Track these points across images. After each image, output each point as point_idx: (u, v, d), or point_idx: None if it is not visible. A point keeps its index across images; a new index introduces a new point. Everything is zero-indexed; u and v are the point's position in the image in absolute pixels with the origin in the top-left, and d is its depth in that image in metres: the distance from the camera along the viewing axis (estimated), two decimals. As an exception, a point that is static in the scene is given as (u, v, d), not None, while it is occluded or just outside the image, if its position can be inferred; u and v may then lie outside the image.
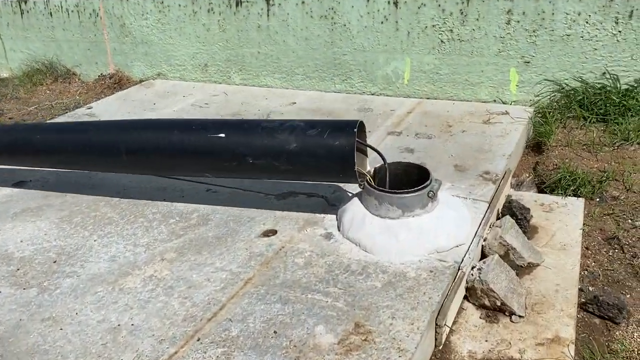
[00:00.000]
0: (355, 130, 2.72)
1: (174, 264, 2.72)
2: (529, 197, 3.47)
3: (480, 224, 2.89)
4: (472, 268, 2.63)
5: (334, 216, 3.04)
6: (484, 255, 2.87)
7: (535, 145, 4.14)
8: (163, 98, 5.44)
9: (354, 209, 2.88)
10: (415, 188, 2.73)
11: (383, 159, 2.89)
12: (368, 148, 2.98)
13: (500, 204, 3.23)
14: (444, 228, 2.71)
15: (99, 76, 6.51)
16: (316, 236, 2.87)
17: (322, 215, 3.08)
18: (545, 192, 3.59)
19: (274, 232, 2.95)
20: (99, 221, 3.17)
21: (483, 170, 3.45)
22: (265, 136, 2.84)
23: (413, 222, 2.71)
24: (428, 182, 2.78)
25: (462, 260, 2.60)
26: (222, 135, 2.90)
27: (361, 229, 2.76)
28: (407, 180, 3.01)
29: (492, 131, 4.04)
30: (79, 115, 5.11)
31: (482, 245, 2.85)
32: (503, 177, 3.38)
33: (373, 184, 2.84)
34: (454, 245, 2.68)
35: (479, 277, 2.55)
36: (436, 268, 2.54)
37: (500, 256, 2.83)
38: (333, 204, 3.17)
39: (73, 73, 6.76)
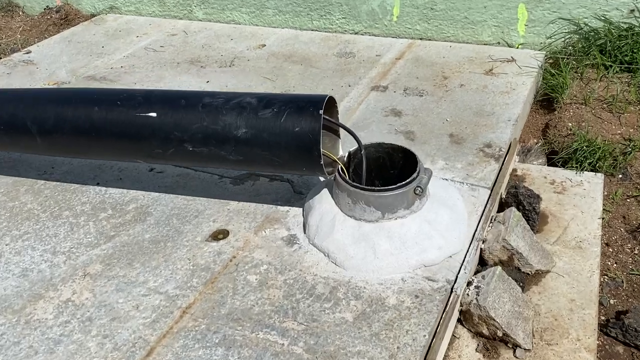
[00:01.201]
0: (321, 112, 2.09)
1: (98, 281, 2.18)
2: (536, 172, 2.89)
3: (479, 222, 2.33)
4: (468, 284, 2.11)
5: (300, 210, 2.47)
6: (482, 261, 2.34)
7: (546, 102, 3.50)
8: (114, 39, 4.68)
9: (323, 207, 2.31)
10: (399, 184, 2.15)
11: (358, 142, 2.28)
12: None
13: (504, 187, 2.66)
14: (434, 234, 2.15)
15: (45, 9, 5.67)
16: (276, 240, 2.32)
17: (286, 208, 2.50)
18: (557, 165, 3.01)
19: (226, 233, 2.39)
20: (16, 215, 2.60)
21: (484, 141, 2.84)
22: (207, 117, 2.20)
23: (395, 228, 2.15)
24: (415, 174, 2.19)
25: (456, 278, 2.07)
26: (153, 114, 2.27)
27: (330, 235, 2.20)
28: (391, 165, 2.42)
29: (496, 85, 3.38)
30: (15, 62, 4.38)
31: (481, 249, 2.32)
32: (508, 151, 2.78)
33: (346, 176, 2.25)
34: (446, 257, 2.14)
35: (477, 300, 2.03)
36: (423, 291, 2.01)
37: (502, 262, 2.30)
38: (300, 192, 2.59)
39: (16, 5, 5.90)
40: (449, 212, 2.26)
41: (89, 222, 2.52)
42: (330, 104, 2.22)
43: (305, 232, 2.33)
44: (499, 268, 2.15)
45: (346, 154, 2.36)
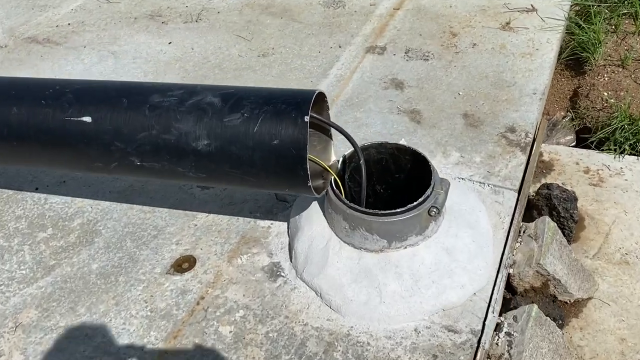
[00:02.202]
0: (307, 118, 1.56)
1: (33, 335, 1.73)
2: (567, 157, 2.41)
3: (506, 241, 1.87)
4: (497, 327, 1.69)
5: (284, 226, 2.00)
6: (508, 285, 1.90)
7: (573, 62, 2.96)
8: (60, -14, 3.96)
9: (313, 229, 1.83)
10: (409, 207, 1.66)
11: (355, 147, 1.77)
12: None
13: (531, 184, 2.18)
14: (455, 267, 1.70)
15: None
16: (256, 271, 1.86)
17: (267, 223, 2.02)
18: (589, 146, 2.52)
19: (192, 261, 1.92)
20: None
21: (505, 123, 2.33)
22: (156, 124, 1.67)
23: (405, 261, 1.69)
24: (429, 190, 1.70)
25: (483, 326, 1.63)
26: (87, 119, 1.72)
27: (324, 269, 1.74)
28: (397, 169, 1.93)
29: (515, 45, 2.82)
30: (-57, 19, 3.69)
31: (509, 274, 1.88)
32: (535, 136, 2.28)
33: (340, 190, 1.76)
34: (469, 296, 1.70)
35: (509, 354, 1.61)
36: (442, 348, 1.59)
37: (534, 288, 1.87)
38: (284, 199, 2.10)
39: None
40: (471, 232, 1.79)
41: (24, 245, 2.03)
42: (319, 99, 1.69)
43: (291, 261, 1.86)
44: (535, 308, 1.71)
45: (340, 159, 1.86)
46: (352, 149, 1.82)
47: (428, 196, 1.70)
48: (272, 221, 2.03)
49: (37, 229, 2.09)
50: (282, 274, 1.84)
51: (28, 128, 1.79)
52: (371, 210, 1.67)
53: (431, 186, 1.71)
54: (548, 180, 2.30)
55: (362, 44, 2.96)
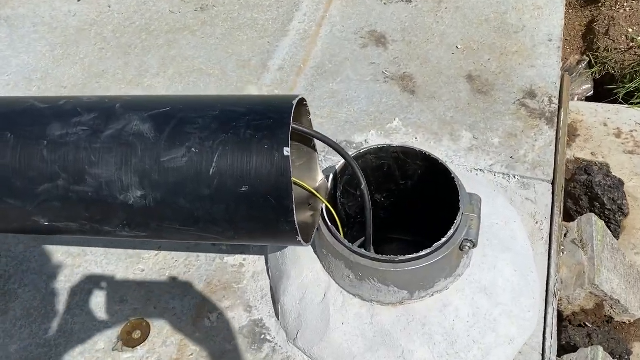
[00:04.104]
0: (288, 151, 1.04)
1: None
2: (591, 115, 1.98)
3: (549, 257, 1.46)
4: (553, 379, 1.31)
5: (262, 261, 1.53)
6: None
7: (582, -13, 2.45)
8: None
9: (304, 275, 1.37)
10: (436, 246, 1.21)
11: (350, 163, 1.27)
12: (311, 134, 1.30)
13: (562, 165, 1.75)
14: (497, 313, 1.29)
15: None
16: (233, 337, 1.40)
17: (238, 259, 1.55)
18: (614, 96, 2.09)
19: (145, 327, 1.44)
20: None
21: (522, 86, 1.86)
22: (63, 170, 1.12)
23: (434, 315, 1.27)
24: (459, 218, 1.24)
25: (543, 391, 1.25)
26: (-44, 168, 1.15)
27: (326, 335, 1.30)
28: (403, 175, 1.46)
29: (515, -27, 2.28)
30: None
31: (554, 293, 1.48)
32: (561, 99, 1.82)
33: (337, 225, 1.28)
34: (518, 350, 1.30)
35: (577, 421, 1.24)
36: None
37: (585, 311, 1.49)
38: (255, 221, 1.60)
39: None
40: (510, 258, 1.37)
41: None
42: (299, 104, 1.16)
43: (278, 317, 1.41)
44: (600, 351, 1.33)
45: (330, 176, 1.36)
46: (352, 157, 1.33)
47: (458, 226, 1.24)
48: (244, 255, 1.55)
49: None
50: (269, 336, 1.39)
51: None
52: (385, 257, 1.21)
53: (460, 213, 1.25)
54: (574, 151, 1.88)
55: (325, -15, 2.35)
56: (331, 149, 1.24)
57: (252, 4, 2.32)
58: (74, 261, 1.59)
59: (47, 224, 1.20)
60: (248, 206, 1.08)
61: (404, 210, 1.55)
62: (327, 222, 1.28)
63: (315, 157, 1.36)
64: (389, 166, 1.45)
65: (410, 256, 1.20)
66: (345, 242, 1.24)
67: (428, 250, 1.21)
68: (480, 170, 1.64)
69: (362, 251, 1.22)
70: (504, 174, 1.63)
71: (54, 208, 1.16)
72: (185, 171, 1.08)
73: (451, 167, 1.33)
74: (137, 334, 1.43)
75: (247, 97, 1.20)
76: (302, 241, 1.15)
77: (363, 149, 1.40)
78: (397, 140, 1.75)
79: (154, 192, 1.10)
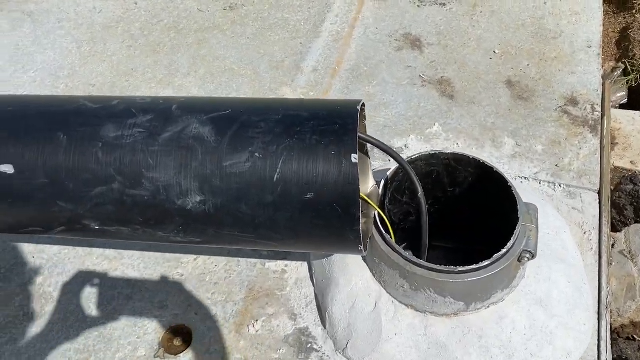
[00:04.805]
0: (355, 158, 1.01)
1: None
2: (628, 124, 1.96)
3: (599, 269, 1.44)
4: (606, 394, 1.28)
5: (304, 267, 1.49)
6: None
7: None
8: None
9: (353, 284, 1.33)
10: (497, 256, 1.18)
11: (408, 171, 1.24)
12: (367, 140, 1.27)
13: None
14: (554, 325, 1.26)
15: None
16: (278, 345, 1.36)
17: (279, 265, 1.51)
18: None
19: (186, 334, 1.40)
20: None
21: (563, 92, 1.84)
22: (118, 173, 1.09)
23: (491, 327, 1.24)
24: (518, 229, 1.21)
25: (601, 407, 1.22)
26: (7, 169, 1.12)
27: (378, 346, 1.27)
28: (452, 182, 1.43)
29: (550, -23, 2.25)
30: None
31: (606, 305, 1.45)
32: (603, 107, 1.80)
33: (389, 232, 1.25)
34: (574, 363, 1.27)
35: None
36: None
37: (634, 323, 1.46)
38: (296, 227, 1.57)
39: None
40: (563, 269, 1.34)
41: (-56, 326, 1.45)
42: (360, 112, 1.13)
43: (324, 326, 1.37)
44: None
45: (382, 182, 1.33)
46: (392, 166, 1.30)
47: (517, 237, 1.21)
48: (285, 261, 1.52)
49: (-40, 298, 1.50)
50: (315, 346, 1.35)
51: None
52: (444, 268, 1.17)
53: (519, 223, 1.22)
54: (613, 159, 1.85)
55: (356, -14, 2.32)
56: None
57: (283, 4, 2.28)
58: (110, 264, 1.55)
59: (97, 227, 1.16)
60: (312, 214, 1.04)
61: (448, 217, 1.52)
62: (381, 230, 1.25)
63: (368, 163, 1.33)
64: (438, 173, 1.43)
65: (470, 267, 1.17)
66: (402, 251, 1.21)
67: (488, 262, 1.18)
68: (525, 178, 1.62)
69: (420, 261, 1.19)
70: (549, 182, 1.60)
71: (107, 212, 1.12)
72: (248, 177, 1.05)
73: (504, 175, 1.30)
74: (178, 341, 1.39)
75: (308, 101, 1.16)
76: (364, 252, 1.12)
77: (414, 155, 1.37)
78: (437, 146, 1.72)
79: (215, 198, 1.06)
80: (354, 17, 2.18)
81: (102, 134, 1.11)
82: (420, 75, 1.92)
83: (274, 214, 1.06)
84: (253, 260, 1.52)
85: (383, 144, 1.21)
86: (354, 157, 1.01)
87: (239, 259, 1.53)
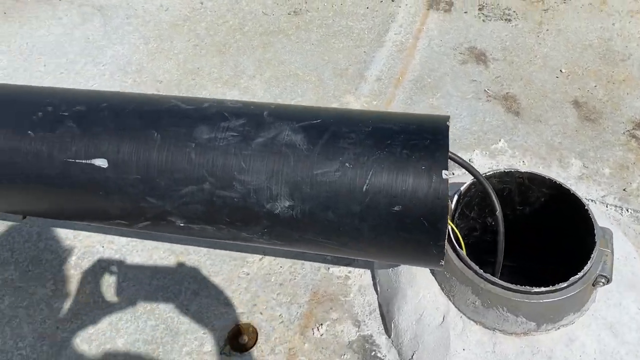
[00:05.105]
0: (447, 174, 1.03)
1: None
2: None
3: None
4: None
5: (367, 275, 1.51)
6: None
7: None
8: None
9: (421, 296, 1.35)
10: (573, 279, 1.18)
11: (488, 190, 1.25)
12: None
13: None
14: (624, 353, 1.25)
15: None
16: (342, 351, 1.39)
17: (343, 271, 1.54)
18: None
19: (252, 332, 1.43)
20: None
21: (631, 116, 1.82)
22: (210, 174, 1.12)
23: (561, 350, 1.24)
24: (595, 252, 1.21)
25: None
26: (102, 163, 1.16)
27: (444, 359, 1.28)
28: (522, 200, 1.43)
29: (618, -2, 2.24)
30: None
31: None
32: (672, 134, 1.78)
33: (461, 245, 1.26)
34: (642, 391, 1.26)
35: None
36: None
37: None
38: (361, 234, 1.59)
39: None
40: (634, 296, 1.33)
41: (18, 309, 1.51)
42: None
43: (388, 334, 1.39)
44: None
45: (455, 197, 1.34)
46: (466, 182, 1.32)
47: (594, 261, 1.21)
48: (349, 267, 1.54)
49: (33, 283, 1.56)
50: (379, 354, 1.37)
51: (13, 173, 1.22)
52: (521, 288, 1.18)
53: (596, 247, 1.22)
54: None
55: (420, -3, 2.34)
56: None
57: (347, 12, 2.31)
58: (177, 259, 1.59)
59: (182, 224, 1.20)
60: (398, 226, 1.06)
61: (513, 235, 1.52)
62: (454, 246, 1.26)
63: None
64: (510, 190, 1.43)
65: (547, 288, 1.18)
66: (476, 267, 1.22)
67: (564, 284, 1.18)
68: (592, 200, 1.61)
69: (496, 279, 1.20)
70: (616, 206, 1.59)
71: (195, 210, 1.16)
72: (338, 186, 1.07)
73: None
74: (243, 339, 1.42)
75: (395, 115, 1.18)
76: (442, 265, 1.14)
77: (488, 172, 1.38)
78: (502, 162, 1.72)
79: (303, 204, 1.09)
80: (417, 29, 2.19)
81: (195, 135, 1.14)
82: (485, 90, 1.93)
83: (360, 223, 1.08)
84: (317, 264, 1.55)
85: (465, 160, 1.22)
86: (445, 173, 1.03)
87: (303, 261, 1.56)
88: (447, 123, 1.10)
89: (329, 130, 1.11)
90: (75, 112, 1.22)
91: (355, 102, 1.95)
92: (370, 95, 1.97)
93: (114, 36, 2.32)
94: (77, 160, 1.18)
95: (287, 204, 1.10)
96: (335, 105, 1.94)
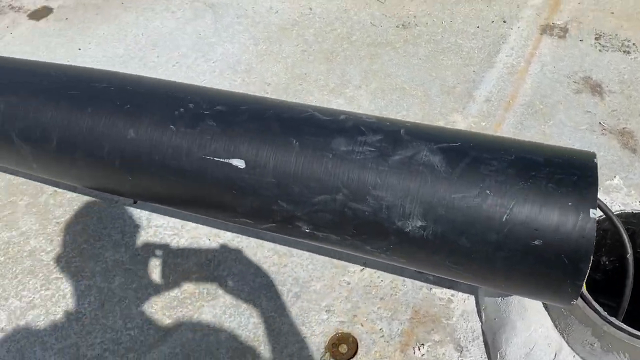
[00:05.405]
0: (595, 213, 1.00)
1: None
2: None
3: None
4: None
5: (471, 300, 1.49)
6: None
7: None
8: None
9: (532, 330, 1.32)
10: None
11: (622, 233, 1.21)
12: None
13: None
14: None
15: None
16: (442, 373, 1.37)
17: (446, 293, 1.52)
18: None
19: (352, 343, 1.44)
20: (15, 262, 1.67)
21: None
22: (345, 186, 1.14)
23: (682, 406, 1.18)
24: None
25: None
26: (239, 163, 1.20)
27: (553, 398, 1.25)
28: (644, 244, 1.38)
29: None
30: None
31: None
32: None
33: (586, 292, 1.23)
34: None
35: None
36: None
37: None
38: (465, 257, 1.57)
39: None
40: None
41: (128, 290, 1.58)
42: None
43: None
44: None
45: (577, 233, 1.30)
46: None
47: None
48: (452, 290, 1.52)
49: (142, 267, 1.63)
50: (483, 384, 1.35)
51: (150, 163, 1.28)
52: (647, 335, 1.14)
53: None
54: None
55: (533, 20, 2.29)
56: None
57: (456, 29, 2.29)
58: (280, 260, 1.62)
59: (307, 231, 1.23)
60: (535, 260, 1.05)
61: (623, 276, 1.46)
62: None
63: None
64: (634, 232, 1.38)
65: (679, 339, 1.13)
66: (600, 309, 1.19)
67: (697, 338, 1.13)
68: None
69: (621, 324, 1.16)
70: None
71: (324, 219, 1.18)
72: (475, 212, 1.06)
73: None
74: (343, 348, 1.43)
75: (536, 145, 1.16)
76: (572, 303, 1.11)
77: (616, 212, 1.33)
78: (617, 200, 1.66)
79: (436, 226, 1.09)
80: (530, 52, 2.15)
81: (333, 146, 1.16)
82: (600, 123, 1.87)
83: (494, 252, 1.07)
84: (419, 283, 1.54)
85: (604, 204, 1.19)
86: (593, 212, 1.01)
87: (404, 278, 1.56)
88: (595, 160, 1.07)
89: (469, 155, 1.11)
90: (216, 111, 1.26)
91: (463, 121, 1.93)
92: (478, 116, 1.95)
93: (224, 34, 2.39)
94: (215, 158, 1.22)
95: (419, 223, 1.10)
96: (441, 123, 1.93)
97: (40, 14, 2.67)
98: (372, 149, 1.14)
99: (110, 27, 2.50)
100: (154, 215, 1.76)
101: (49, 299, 1.57)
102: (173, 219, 1.74)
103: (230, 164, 1.21)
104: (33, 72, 1.48)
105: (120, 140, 1.29)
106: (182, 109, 1.28)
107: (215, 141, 1.22)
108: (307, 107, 1.28)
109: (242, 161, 1.20)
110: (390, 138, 1.16)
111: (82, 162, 1.35)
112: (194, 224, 1.72)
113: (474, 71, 2.11)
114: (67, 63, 2.20)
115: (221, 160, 1.21)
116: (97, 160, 1.32)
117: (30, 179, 1.88)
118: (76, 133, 1.32)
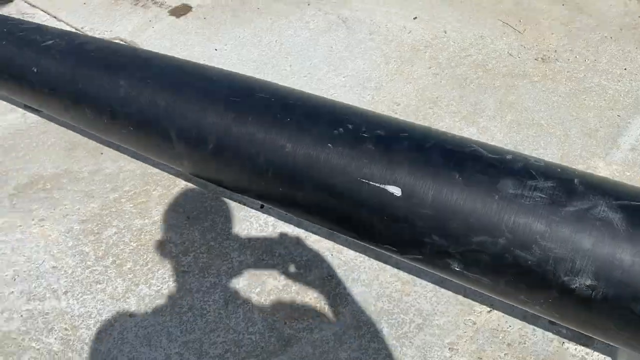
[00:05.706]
0: None
1: None
2: None
3: None
4: None
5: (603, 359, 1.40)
6: None
7: None
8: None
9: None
10: None
11: None
12: None
13: None
14: None
15: None
16: None
17: (580, 350, 1.44)
18: None
19: (476, 388, 1.39)
20: (146, 249, 1.74)
21: None
22: (509, 231, 1.10)
23: None
24: None
25: None
26: (396, 191, 1.19)
27: None
28: None
29: None
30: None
31: None
32: None
33: None
34: None
35: None
36: None
37: None
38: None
39: None
40: None
41: (251, 293, 1.61)
42: None
43: None
44: None
45: None
46: None
47: None
48: (587, 349, 1.44)
49: (266, 272, 1.66)
50: None
51: (303, 177, 1.29)
52: None
53: None
54: None
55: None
56: None
57: (601, 70, 2.18)
58: (403, 287, 1.60)
59: (457, 269, 1.19)
60: None
61: None
62: None
63: None
64: None
65: None
66: None
67: None
68: None
69: None
70: None
71: (479, 261, 1.14)
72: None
73: None
74: (465, 391, 1.39)
75: None
76: None
77: None
78: None
79: (608, 288, 1.03)
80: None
81: (499, 187, 1.13)
82: None
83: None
84: (550, 335, 1.47)
85: None
86: None
87: (535, 327, 1.49)
88: None
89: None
90: (376, 135, 1.26)
91: (605, 168, 1.83)
92: (623, 165, 1.84)
93: (356, 50, 2.40)
94: (370, 182, 1.22)
95: (588, 282, 1.04)
96: (580, 167, 1.84)
97: (179, 11, 2.80)
98: (544, 196, 1.09)
99: (246, 31, 2.58)
100: (280, 222, 1.78)
101: (176, 291, 1.63)
102: (297, 229, 1.76)
103: (386, 190, 1.20)
104: (194, 74, 1.55)
105: (276, 151, 1.32)
106: (341, 129, 1.29)
107: (374, 165, 1.22)
108: (470, 141, 1.25)
109: (399, 189, 1.19)
110: (563, 187, 1.10)
111: (236, 168, 1.39)
112: (316, 237, 1.73)
113: (618, 115, 1.99)
114: (203, 62, 2.29)
115: (377, 185, 1.21)
116: (252, 168, 1.35)
117: (164, 170, 1.97)
118: (235, 139, 1.36)
